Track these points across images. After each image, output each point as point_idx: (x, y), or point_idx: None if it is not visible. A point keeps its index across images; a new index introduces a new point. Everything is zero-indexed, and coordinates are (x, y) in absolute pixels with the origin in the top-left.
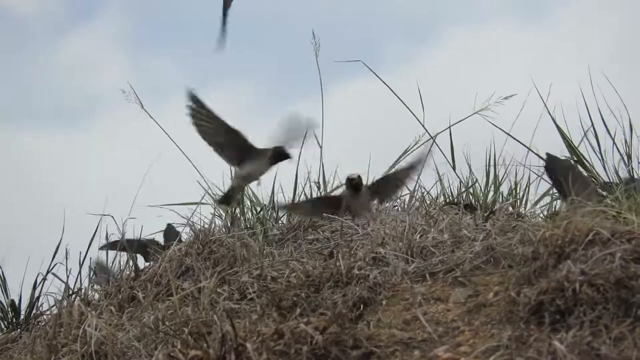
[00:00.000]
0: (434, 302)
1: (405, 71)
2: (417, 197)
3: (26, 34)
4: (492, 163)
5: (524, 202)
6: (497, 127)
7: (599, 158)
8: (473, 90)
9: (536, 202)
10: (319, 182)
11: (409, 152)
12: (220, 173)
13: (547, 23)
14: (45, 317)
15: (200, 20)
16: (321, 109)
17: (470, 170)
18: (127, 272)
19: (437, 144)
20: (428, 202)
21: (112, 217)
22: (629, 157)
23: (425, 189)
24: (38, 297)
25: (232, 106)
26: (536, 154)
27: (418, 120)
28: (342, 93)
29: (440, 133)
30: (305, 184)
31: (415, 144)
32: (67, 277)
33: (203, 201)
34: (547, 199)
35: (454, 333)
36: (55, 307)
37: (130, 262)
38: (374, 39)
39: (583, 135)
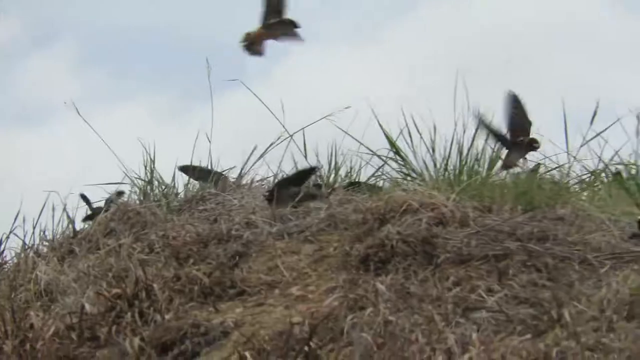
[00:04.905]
0: (290, 254)
1: (266, 83)
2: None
3: None
4: (333, 153)
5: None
6: (339, 128)
7: (411, 151)
8: (321, 100)
9: (366, 181)
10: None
11: (273, 145)
12: (138, 163)
13: (374, 43)
14: (8, 265)
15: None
16: (211, 115)
17: (317, 159)
18: (67, 232)
19: (294, 141)
20: None
21: (58, 193)
22: (433, 150)
23: (286, 173)
24: (2, 251)
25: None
26: (366, 147)
27: (280, 122)
28: (228, 103)
29: (296, 132)
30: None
31: (278, 139)
32: (24, 236)
33: (123, 181)
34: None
35: (304, 277)
36: (15, 258)
37: (70, 226)
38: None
39: (399, 133)
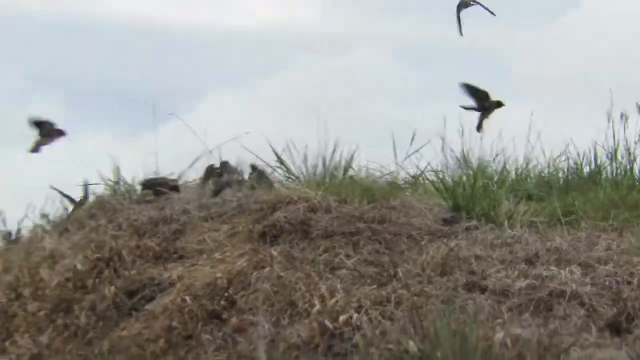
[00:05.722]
0: (213, 231)
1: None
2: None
3: None
4: (240, 164)
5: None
6: (244, 147)
7: (291, 161)
8: (228, 130)
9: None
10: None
11: (199, 159)
12: (107, 171)
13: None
14: (23, 239)
15: None
16: (156, 139)
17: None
18: (63, 216)
19: (217, 155)
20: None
21: (58, 190)
22: (306, 161)
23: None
24: (19, 229)
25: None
26: (261, 159)
27: (204, 143)
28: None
29: (214, 149)
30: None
31: (204, 153)
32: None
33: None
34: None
35: (223, 246)
36: (29, 233)
37: (65, 211)
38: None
39: (282, 150)
